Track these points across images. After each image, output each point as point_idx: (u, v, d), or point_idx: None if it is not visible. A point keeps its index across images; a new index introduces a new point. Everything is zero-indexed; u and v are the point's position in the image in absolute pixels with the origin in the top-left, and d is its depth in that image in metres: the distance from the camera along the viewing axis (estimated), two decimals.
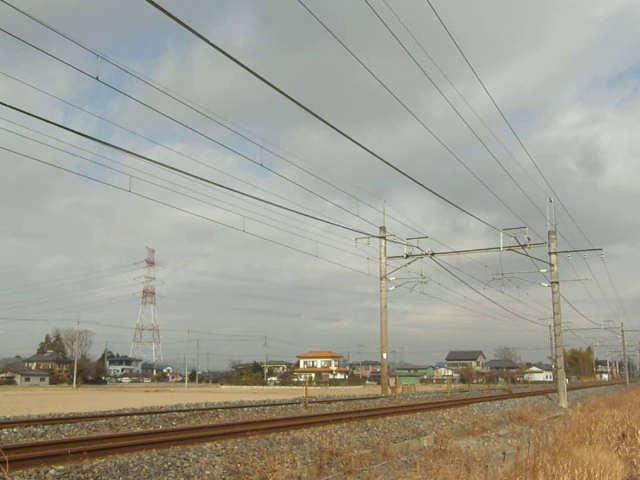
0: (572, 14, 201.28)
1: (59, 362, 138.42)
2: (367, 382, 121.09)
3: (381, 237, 37.48)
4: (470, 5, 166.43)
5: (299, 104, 11.18)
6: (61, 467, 8.23)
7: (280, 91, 10.67)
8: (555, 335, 32.85)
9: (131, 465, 8.85)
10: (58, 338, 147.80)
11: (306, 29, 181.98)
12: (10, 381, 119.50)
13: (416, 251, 34.25)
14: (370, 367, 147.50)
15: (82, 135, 12.68)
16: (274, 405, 23.17)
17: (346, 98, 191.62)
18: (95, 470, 8.34)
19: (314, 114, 11.52)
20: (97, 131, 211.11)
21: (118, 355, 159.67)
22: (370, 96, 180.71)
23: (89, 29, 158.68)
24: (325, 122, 12.08)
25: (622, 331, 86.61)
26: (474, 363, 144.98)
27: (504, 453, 10.84)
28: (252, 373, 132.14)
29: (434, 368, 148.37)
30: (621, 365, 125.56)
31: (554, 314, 31.97)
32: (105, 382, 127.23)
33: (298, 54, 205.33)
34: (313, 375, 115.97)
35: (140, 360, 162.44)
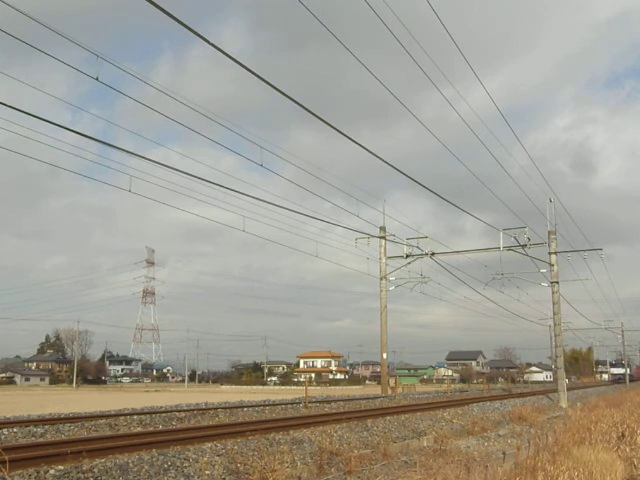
0: (568, 16, 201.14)
1: (59, 362, 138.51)
2: (367, 382, 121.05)
3: (381, 237, 37.45)
4: (465, 7, 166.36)
5: (300, 104, 11.18)
6: (61, 467, 8.23)
7: (280, 91, 10.68)
8: (555, 335, 32.86)
9: (131, 465, 8.85)
10: (58, 338, 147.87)
11: (297, 32, 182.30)
12: (10, 381, 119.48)
13: (416, 251, 34.27)
14: (370, 367, 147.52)
15: (82, 135, 12.69)
16: (274, 405, 23.16)
17: (336, 101, 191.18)
18: (95, 470, 8.34)
19: (315, 114, 11.53)
20: (102, 132, 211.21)
21: (118, 355, 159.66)
22: (360, 99, 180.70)
23: (85, 31, 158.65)
24: (326, 122, 12.09)
25: (622, 331, 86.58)
26: (474, 363, 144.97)
27: (504, 453, 10.84)
28: (252, 373, 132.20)
29: (434, 368, 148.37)
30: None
31: (554, 314, 31.97)
32: (105, 382, 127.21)
33: (288, 57, 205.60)
34: (313, 375, 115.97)
35: (140, 360, 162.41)
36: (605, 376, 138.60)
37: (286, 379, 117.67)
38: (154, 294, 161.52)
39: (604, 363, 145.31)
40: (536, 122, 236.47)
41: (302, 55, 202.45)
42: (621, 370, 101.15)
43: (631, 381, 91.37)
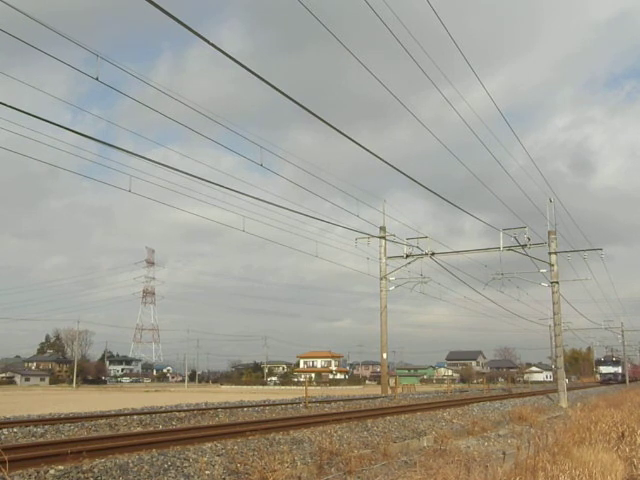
0: (568, 16, 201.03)
1: (59, 362, 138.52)
2: (367, 382, 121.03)
3: (381, 237, 37.46)
4: (465, 7, 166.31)
5: (300, 105, 11.18)
6: (61, 467, 8.23)
7: (280, 91, 10.68)
8: (555, 335, 32.86)
9: (131, 465, 8.85)
10: (58, 338, 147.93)
11: (296, 33, 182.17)
12: (10, 381, 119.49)
13: (416, 251, 34.28)
14: (370, 367, 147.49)
15: (82, 135, 12.69)
16: (274, 405, 23.16)
17: (336, 101, 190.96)
18: (95, 470, 8.34)
19: (315, 114, 11.52)
20: (102, 132, 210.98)
21: (118, 355, 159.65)
22: (360, 99, 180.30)
23: (85, 31, 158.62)
24: (326, 122, 12.09)
25: (622, 331, 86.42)
26: (474, 363, 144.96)
27: (504, 453, 10.83)
28: (252, 373, 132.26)
29: (434, 368, 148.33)
30: None
31: (554, 314, 31.97)
32: (105, 382, 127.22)
33: (287, 57, 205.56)
34: (313, 375, 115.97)
35: (140, 360, 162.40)
36: None
37: (286, 379, 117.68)
38: (154, 294, 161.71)
39: None
40: (536, 122, 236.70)
41: (302, 55, 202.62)
42: (611, 369, 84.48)
43: (629, 381, 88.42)
